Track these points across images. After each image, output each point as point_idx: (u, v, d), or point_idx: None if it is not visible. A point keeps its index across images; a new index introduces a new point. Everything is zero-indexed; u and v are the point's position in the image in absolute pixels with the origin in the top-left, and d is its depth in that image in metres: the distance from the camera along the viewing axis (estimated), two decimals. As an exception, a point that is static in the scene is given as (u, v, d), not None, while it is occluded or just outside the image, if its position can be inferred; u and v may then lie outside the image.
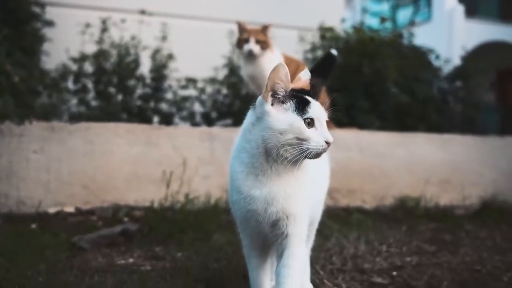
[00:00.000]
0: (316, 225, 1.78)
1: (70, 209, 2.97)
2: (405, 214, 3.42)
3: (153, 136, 3.24)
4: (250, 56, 3.39)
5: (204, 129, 3.55)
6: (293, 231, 1.42)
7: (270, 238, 1.46)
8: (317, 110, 1.39)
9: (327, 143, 1.36)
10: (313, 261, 2.11)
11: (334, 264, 2.19)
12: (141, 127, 3.31)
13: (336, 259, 2.27)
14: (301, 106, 1.37)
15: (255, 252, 1.52)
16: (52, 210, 2.91)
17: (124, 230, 2.59)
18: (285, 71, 1.36)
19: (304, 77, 1.57)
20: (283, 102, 1.38)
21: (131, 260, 2.23)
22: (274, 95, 1.38)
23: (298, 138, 1.34)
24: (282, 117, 1.36)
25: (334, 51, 1.89)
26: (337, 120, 4.28)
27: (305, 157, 1.35)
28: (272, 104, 1.38)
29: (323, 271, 2.08)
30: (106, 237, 2.52)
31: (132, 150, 3.16)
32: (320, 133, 1.37)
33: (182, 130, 3.44)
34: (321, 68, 1.89)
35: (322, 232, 2.58)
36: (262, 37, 3.34)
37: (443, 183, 3.85)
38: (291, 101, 1.38)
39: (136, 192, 3.08)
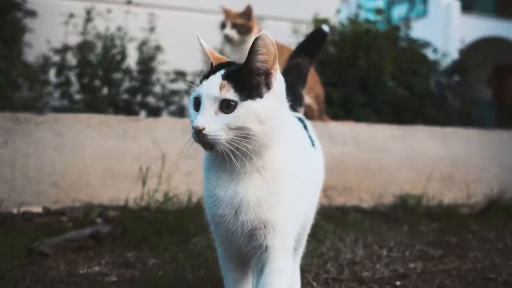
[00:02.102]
0: (308, 230, 1.51)
1: (37, 209, 2.68)
2: (406, 213, 3.16)
3: (131, 129, 2.95)
4: (229, 42, 3.25)
5: (186, 120, 3.25)
6: (274, 243, 1.14)
7: (247, 251, 1.17)
8: (204, 86, 1.10)
9: (197, 130, 1.06)
10: (305, 269, 1.85)
11: (329, 273, 1.92)
12: (117, 118, 3.02)
13: (331, 266, 1.99)
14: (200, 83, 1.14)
15: (232, 264, 1.24)
16: (16, 210, 2.61)
17: (93, 233, 2.31)
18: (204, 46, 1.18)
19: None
20: None
21: (97, 268, 1.94)
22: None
23: None
24: None
25: (325, 27, 1.63)
26: (333, 114, 4.06)
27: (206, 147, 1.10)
28: None
29: (316, 281, 1.81)
30: (72, 240, 2.24)
31: (107, 143, 2.88)
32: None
33: (162, 122, 3.16)
34: (309, 45, 1.64)
35: (316, 235, 2.31)
36: (240, 20, 3.17)
37: (446, 180, 3.59)
38: None
39: (111, 190, 2.79)
